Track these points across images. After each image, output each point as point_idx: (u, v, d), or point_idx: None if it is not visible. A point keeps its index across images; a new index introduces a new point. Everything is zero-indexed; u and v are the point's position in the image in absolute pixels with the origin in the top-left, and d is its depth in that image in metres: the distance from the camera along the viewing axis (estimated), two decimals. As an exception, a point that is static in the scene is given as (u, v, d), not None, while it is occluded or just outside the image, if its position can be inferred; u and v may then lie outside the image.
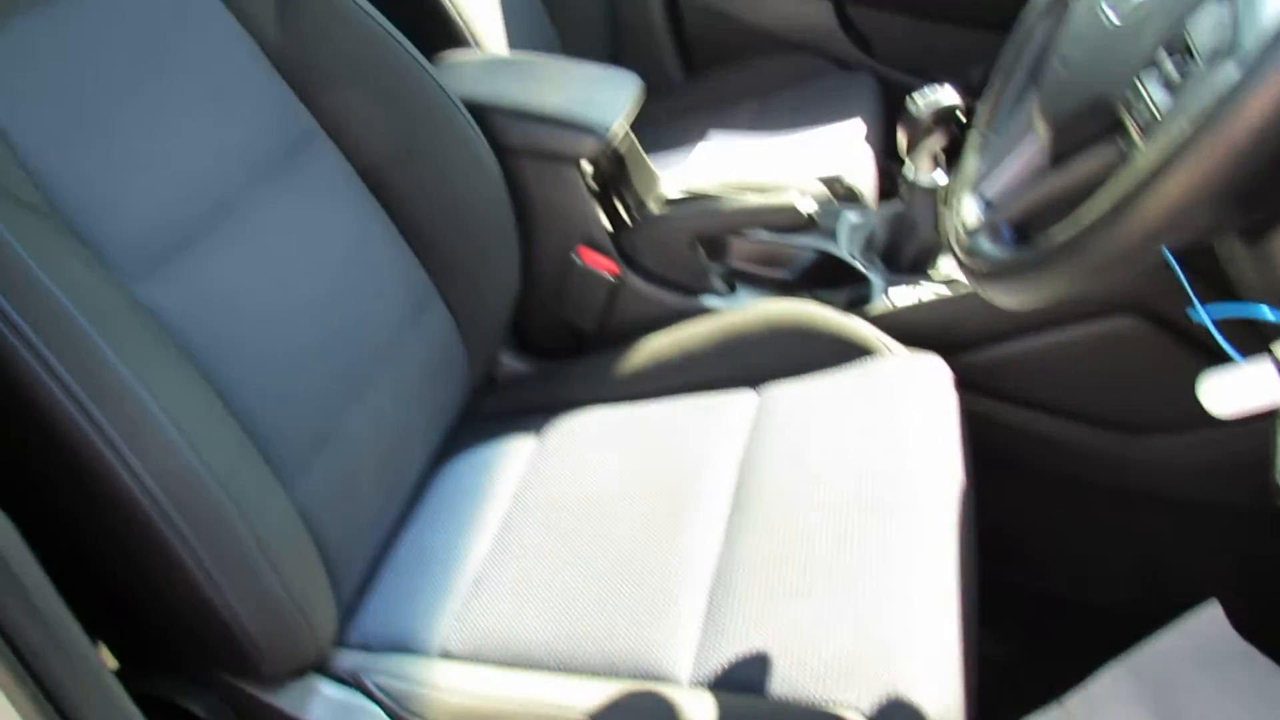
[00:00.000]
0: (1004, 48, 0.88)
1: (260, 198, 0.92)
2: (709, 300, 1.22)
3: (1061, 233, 0.63)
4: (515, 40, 1.52)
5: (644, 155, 1.23)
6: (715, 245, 1.25)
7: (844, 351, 1.07)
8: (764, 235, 1.24)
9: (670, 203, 1.24)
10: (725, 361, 1.11)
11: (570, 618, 0.87)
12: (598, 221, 1.20)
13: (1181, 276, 0.61)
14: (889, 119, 1.53)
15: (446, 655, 0.88)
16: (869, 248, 1.23)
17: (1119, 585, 1.23)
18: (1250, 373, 0.55)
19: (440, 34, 1.38)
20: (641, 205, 1.22)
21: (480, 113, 1.11)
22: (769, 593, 0.84)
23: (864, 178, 1.40)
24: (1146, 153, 0.58)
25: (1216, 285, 0.65)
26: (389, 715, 0.85)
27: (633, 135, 1.19)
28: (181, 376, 0.77)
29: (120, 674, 0.70)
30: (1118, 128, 0.64)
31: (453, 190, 1.08)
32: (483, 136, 1.10)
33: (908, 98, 1.12)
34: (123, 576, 0.80)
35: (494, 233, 1.12)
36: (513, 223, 1.14)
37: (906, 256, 1.20)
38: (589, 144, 1.13)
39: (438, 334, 1.08)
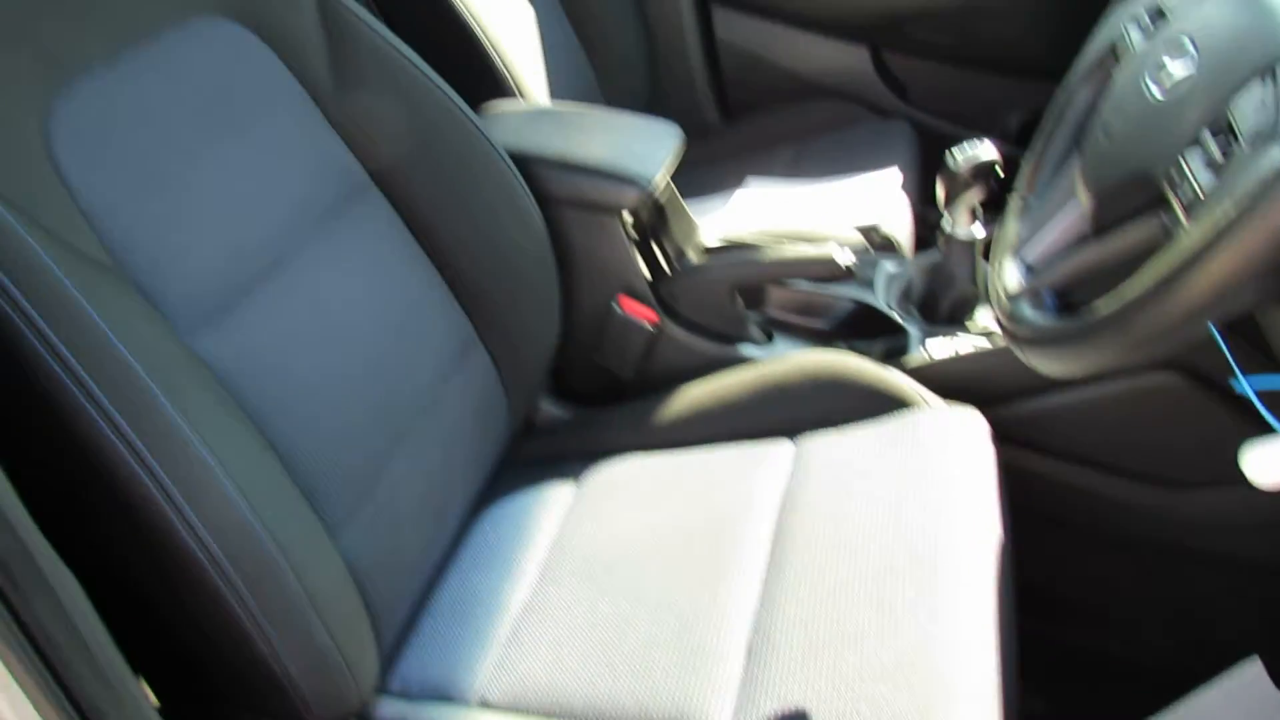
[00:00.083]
0: (1046, 110, 0.89)
1: (313, 249, 0.94)
2: (746, 349, 1.23)
3: (1106, 306, 0.64)
4: (557, 86, 1.54)
5: (683, 204, 1.25)
6: (753, 294, 1.27)
7: (881, 403, 1.08)
8: (802, 285, 1.25)
9: (709, 251, 1.25)
10: (762, 411, 1.12)
11: (608, 669, 0.88)
12: (638, 271, 1.21)
13: (1225, 349, 0.62)
14: (925, 166, 1.54)
15: (485, 705, 0.89)
16: (906, 298, 1.24)
17: (1159, 640, 1.22)
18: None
19: (486, 83, 1.40)
20: (681, 254, 1.24)
21: (524, 163, 1.13)
22: (808, 646, 0.85)
23: (901, 227, 1.40)
24: (1191, 232, 0.59)
25: (1260, 349, 0.66)
26: (429, 763, 0.86)
27: (673, 185, 1.21)
28: (236, 429, 0.79)
29: (161, 711, 0.71)
30: (1161, 203, 0.65)
31: (496, 239, 1.10)
32: (526, 187, 1.12)
33: (946, 152, 1.13)
34: (171, 619, 0.82)
35: (536, 281, 1.14)
36: (554, 272, 1.15)
37: (944, 308, 1.20)
38: (631, 195, 1.14)
39: (479, 381, 1.09)
